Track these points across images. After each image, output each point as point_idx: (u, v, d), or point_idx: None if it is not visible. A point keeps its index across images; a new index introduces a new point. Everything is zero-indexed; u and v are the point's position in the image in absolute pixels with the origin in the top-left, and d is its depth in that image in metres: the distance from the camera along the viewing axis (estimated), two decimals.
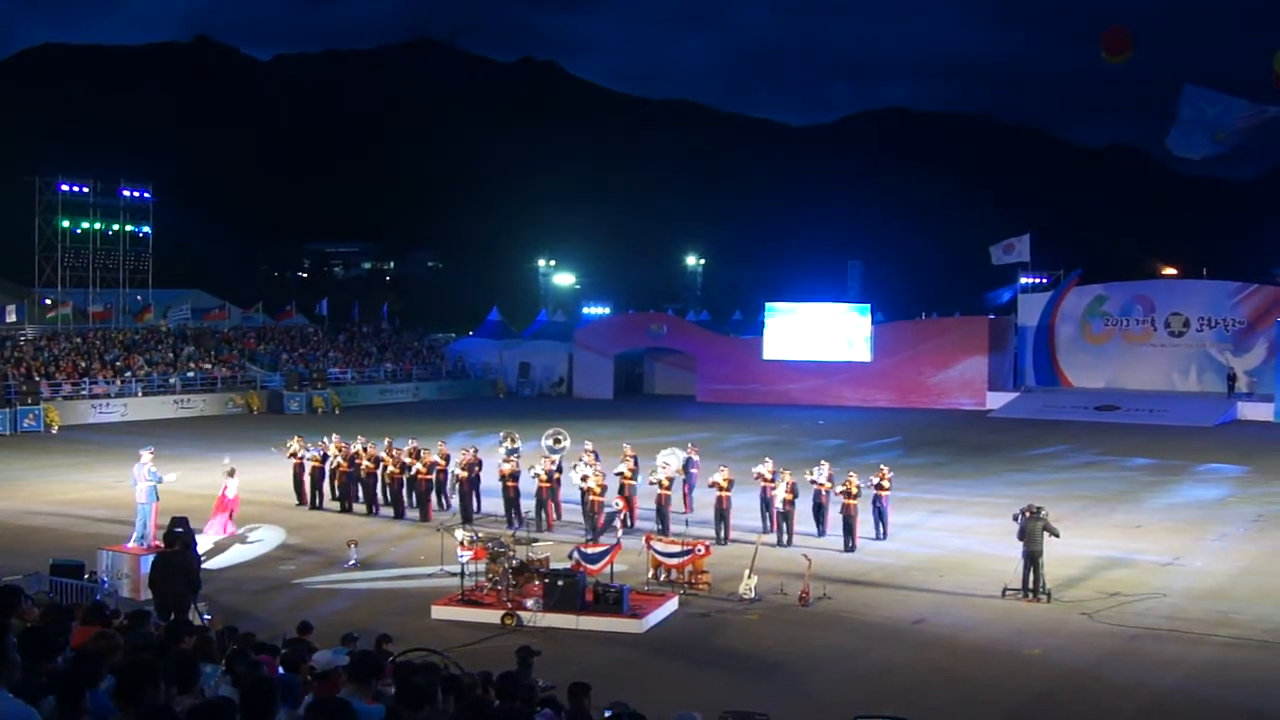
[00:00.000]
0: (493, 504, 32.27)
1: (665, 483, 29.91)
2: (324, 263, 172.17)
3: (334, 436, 35.24)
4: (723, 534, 29.00)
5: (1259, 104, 33.63)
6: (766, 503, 29.92)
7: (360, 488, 33.76)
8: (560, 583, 21.69)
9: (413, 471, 32.82)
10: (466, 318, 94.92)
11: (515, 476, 31.33)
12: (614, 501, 29.04)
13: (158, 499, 26.09)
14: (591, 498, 29.05)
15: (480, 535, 23.63)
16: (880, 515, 29.69)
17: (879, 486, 29.52)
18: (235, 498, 29.02)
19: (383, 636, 15.59)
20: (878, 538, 29.45)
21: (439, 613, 22.00)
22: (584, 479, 30.08)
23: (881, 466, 30.50)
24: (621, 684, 17.82)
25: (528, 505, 31.31)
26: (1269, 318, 65.18)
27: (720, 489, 29.27)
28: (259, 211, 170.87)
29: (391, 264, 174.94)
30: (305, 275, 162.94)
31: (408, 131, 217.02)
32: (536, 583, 22.11)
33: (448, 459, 33.43)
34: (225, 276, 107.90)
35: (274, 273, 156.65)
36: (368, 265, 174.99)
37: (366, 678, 8.99)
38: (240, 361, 66.36)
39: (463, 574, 22.81)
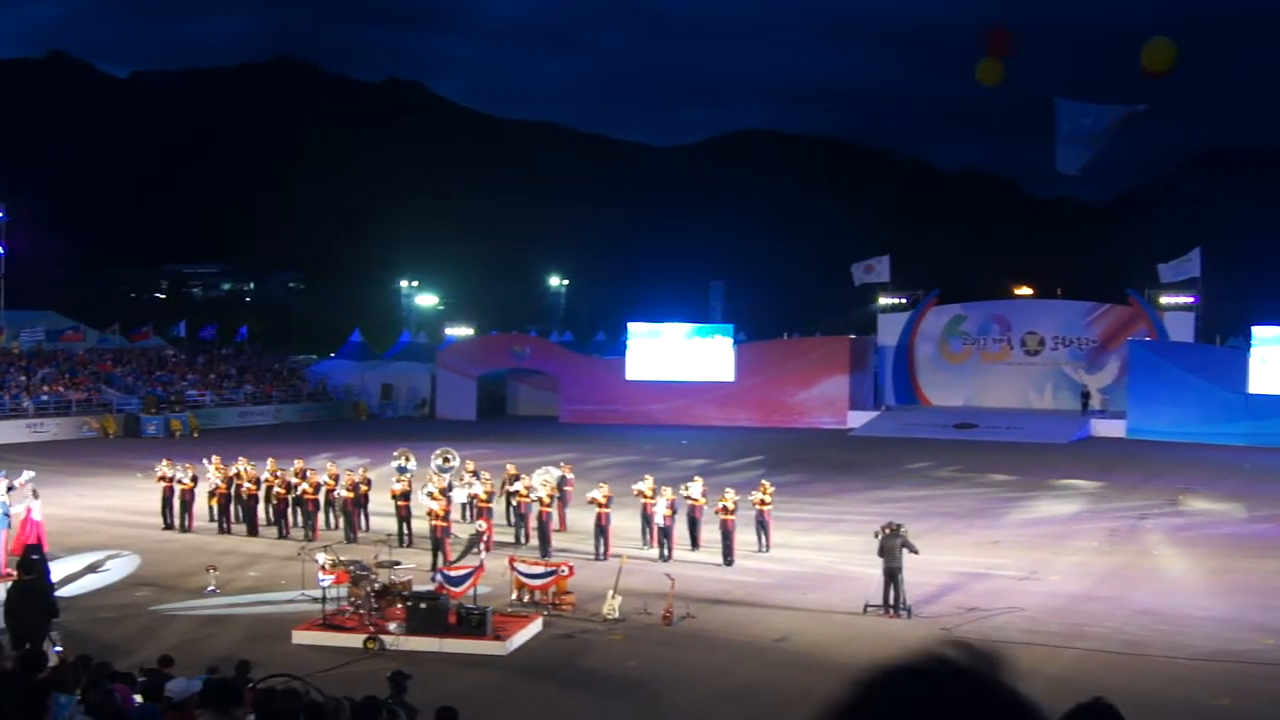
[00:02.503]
0: (383, 523, 32.14)
1: (546, 500, 30.11)
2: (182, 284, 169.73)
3: (214, 458, 34.85)
4: (602, 550, 29.30)
5: (1127, 105, 34.47)
6: (647, 519, 30.38)
7: (240, 509, 33.45)
8: (423, 606, 21.55)
9: (299, 491, 32.61)
10: (328, 339, 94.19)
11: (406, 496, 31.25)
12: (477, 524, 28.91)
13: (9, 527, 25.47)
14: (434, 522, 28.80)
15: (342, 559, 23.43)
16: (762, 528, 30.37)
17: (761, 501, 30.17)
18: (40, 522, 28.01)
19: (242, 663, 15.39)
20: (760, 550, 30.11)
21: (300, 638, 21.72)
22: (431, 496, 30.13)
23: (763, 481, 31.19)
24: (486, 707, 17.79)
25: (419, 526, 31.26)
26: (1121, 337, 66.73)
27: (600, 505, 29.54)
28: (116, 231, 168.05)
29: (252, 285, 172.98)
30: (163, 296, 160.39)
31: (270, 151, 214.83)
32: (399, 606, 21.98)
33: (337, 479, 33.23)
34: (80, 298, 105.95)
35: (131, 294, 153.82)
36: (227, 286, 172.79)
37: (225, 705, 8.87)
38: (96, 384, 65.13)
39: (324, 598, 22.59)
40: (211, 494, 33.79)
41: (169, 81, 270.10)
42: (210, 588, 25.47)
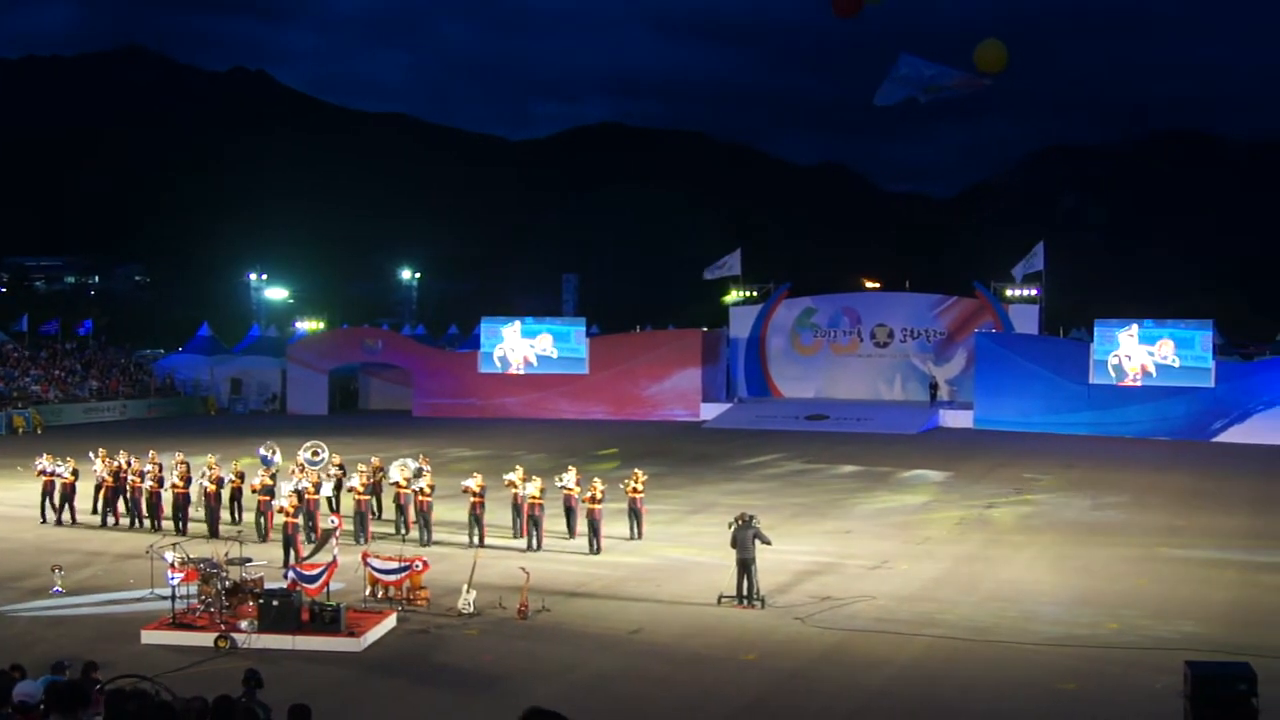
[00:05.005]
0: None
1: (427, 490, 30.31)
2: (24, 277, 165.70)
3: (100, 451, 34.50)
4: (476, 539, 29.61)
5: (974, 73, 34.57)
6: (517, 508, 30.72)
7: (127, 502, 33.22)
8: (275, 603, 21.29)
9: (167, 486, 32.43)
10: (175, 333, 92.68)
11: (268, 490, 30.92)
12: (330, 519, 28.62)
13: None
14: (284, 518, 28.51)
15: (191, 556, 23.07)
16: (635, 516, 31.10)
17: (634, 489, 31.00)
18: None
19: (89, 664, 15.09)
20: (632, 538, 30.86)
21: (149, 637, 21.34)
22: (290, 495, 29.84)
23: (635, 470, 32.04)
24: (341, 704, 17.64)
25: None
26: (967, 329, 68.05)
27: (473, 494, 29.80)
28: None
29: (96, 278, 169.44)
30: (4, 290, 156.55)
31: (114, 141, 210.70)
32: (251, 604, 21.70)
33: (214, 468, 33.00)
34: None
35: None
36: (71, 279, 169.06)
37: (71, 707, 8.69)
38: None
39: (174, 597, 22.22)
40: (98, 488, 33.63)
41: (7, 70, 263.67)
42: (56, 588, 24.93)
